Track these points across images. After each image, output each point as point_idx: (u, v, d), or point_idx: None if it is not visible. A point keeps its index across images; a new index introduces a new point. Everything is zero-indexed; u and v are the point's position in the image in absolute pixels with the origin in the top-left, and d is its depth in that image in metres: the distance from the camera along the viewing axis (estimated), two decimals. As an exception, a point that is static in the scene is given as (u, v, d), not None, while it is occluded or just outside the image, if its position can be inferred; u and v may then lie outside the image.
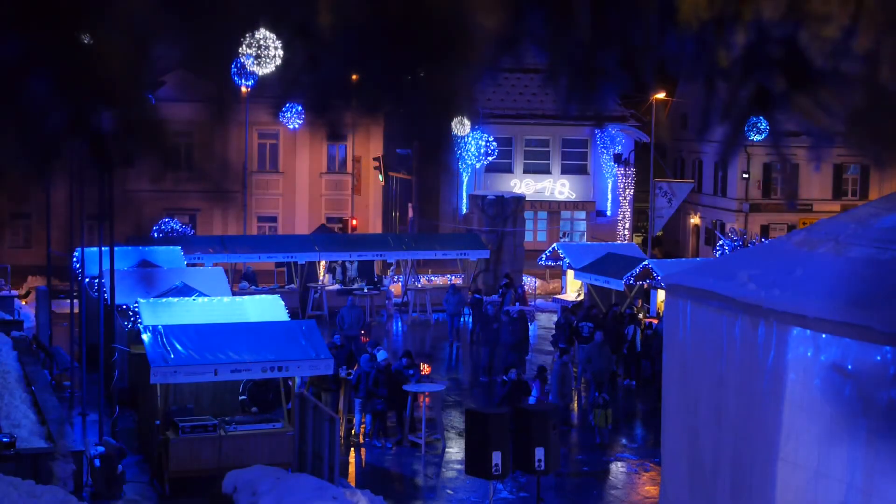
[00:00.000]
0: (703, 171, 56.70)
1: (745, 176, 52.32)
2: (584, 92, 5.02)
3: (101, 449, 18.91)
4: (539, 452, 17.36)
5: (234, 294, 27.83)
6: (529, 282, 43.17)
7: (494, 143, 48.37)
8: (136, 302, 22.28)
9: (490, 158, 48.67)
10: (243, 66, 19.56)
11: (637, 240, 53.71)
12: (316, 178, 48.99)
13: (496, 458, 17.02)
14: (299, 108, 28.24)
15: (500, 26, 4.77)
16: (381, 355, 23.42)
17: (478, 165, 49.23)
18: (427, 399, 22.91)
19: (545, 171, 51.90)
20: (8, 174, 5.33)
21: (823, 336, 10.48)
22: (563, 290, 39.62)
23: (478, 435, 17.27)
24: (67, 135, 4.98)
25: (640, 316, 31.77)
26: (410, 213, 52.88)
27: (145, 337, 19.29)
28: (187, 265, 29.75)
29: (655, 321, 30.65)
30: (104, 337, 23.29)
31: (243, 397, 20.56)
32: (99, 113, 5.06)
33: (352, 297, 32.36)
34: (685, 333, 12.96)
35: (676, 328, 13.20)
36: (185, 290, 24.18)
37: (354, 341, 27.06)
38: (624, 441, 24.12)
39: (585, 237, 50.95)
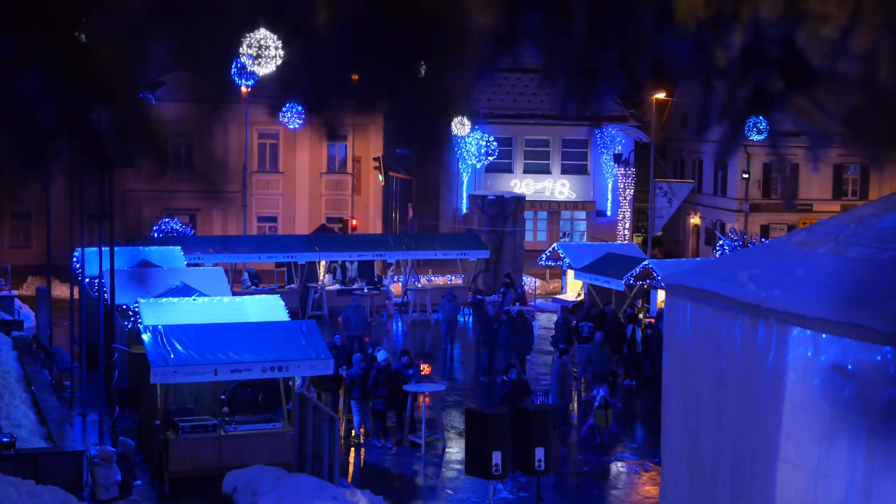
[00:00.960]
0: (703, 171, 56.66)
1: (745, 176, 52.29)
2: (582, 92, 5.02)
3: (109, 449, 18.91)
4: (539, 452, 17.35)
5: (234, 293, 27.80)
6: (529, 282, 43.15)
7: (494, 143, 48.37)
8: (136, 302, 22.28)
9: (490, 158, 48.67)
10: (243, 66, 19.55)
11: (637, 240, 53.66)
12: (316, 178, 48.96)
13: (496, 458, 17.01)
14: (299, 107, 28.23)
15: (494, 24, 4.77)
16: (381, 355, 23.40)
17: (478, 165, 49.22)
18: (427, 399, 22.91)
19: (545, 171, 51.89)
20: (3, 173, 5.32)
21: (823, 336, 10.47)
22: (563, 290, 39.59)
23: (478, 435, 17.26)
24: (63, 133, 4.98)
25: (641, 316, 31.74)
26: (410, 213, 52.85)
27: (145, 337, 19.29)
28: (187, 265, 29.73)
29: (654, 321, 30.60)
30: (104, 337, 23.28)
31: (223, 397, 20.42)
32: (96, 111, 5.05)
33: (357, 298, 32.32)
34: (685, 333, 12.95)
35: (676, 328, 13.20)
36: (185, 290, 24.17)
37: (359, 341, 27.04)
38: (624, 441, 24.12)
39: (585, 237, 50.92)
